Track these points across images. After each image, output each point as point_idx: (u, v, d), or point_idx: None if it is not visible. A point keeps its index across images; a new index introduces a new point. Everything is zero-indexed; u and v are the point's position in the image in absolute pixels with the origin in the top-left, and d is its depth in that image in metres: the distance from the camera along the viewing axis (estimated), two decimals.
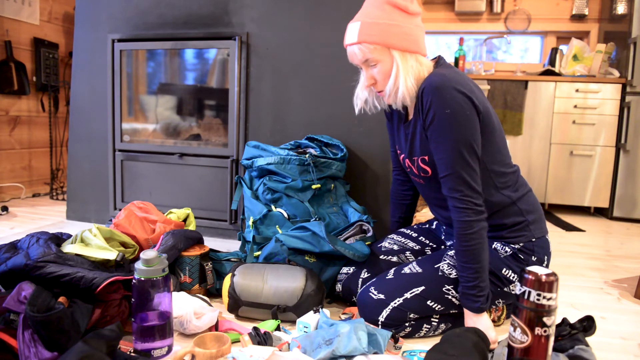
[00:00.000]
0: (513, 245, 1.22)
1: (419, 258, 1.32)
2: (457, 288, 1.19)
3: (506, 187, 1.21)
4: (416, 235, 1.46)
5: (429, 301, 1.19)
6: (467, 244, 1.11)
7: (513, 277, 1.22)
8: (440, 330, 1.24)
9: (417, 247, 1.43)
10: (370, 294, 1.22)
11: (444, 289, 1.20)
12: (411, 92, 1.15)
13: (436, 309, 1.20)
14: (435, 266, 1.23)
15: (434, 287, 1.20)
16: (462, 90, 1.10)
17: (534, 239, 1.22)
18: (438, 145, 1.12)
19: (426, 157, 1.21)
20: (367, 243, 1.46)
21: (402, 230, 1.49)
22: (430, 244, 1.43)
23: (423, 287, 1.20)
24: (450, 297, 1.20)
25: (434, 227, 1.48)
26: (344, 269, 1.41)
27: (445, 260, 1.23)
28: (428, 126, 1.13)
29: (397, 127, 1.33)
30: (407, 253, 1.42)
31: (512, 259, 1.22)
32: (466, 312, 1.16)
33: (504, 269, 1.21)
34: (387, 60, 1.14)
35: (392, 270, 1.27)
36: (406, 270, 1.25)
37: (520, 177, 1.27)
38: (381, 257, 1.40)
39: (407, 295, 1.19)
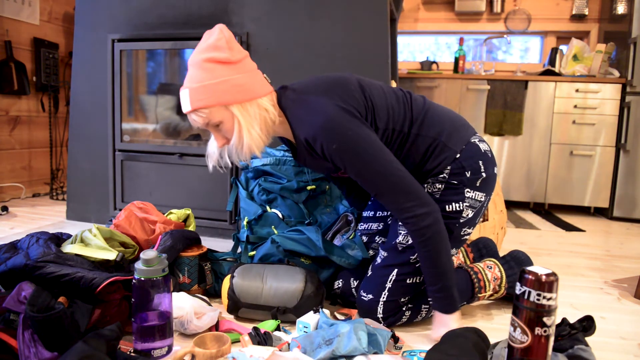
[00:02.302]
0: (442, 176, 1.21)
1: (383, 241, 1.32)
2: None
3: (403, 124, 1.19)
4: (373, 213, 1.45)
5: (408, 279, 1.21)
6: (424, 250, 1.11)
7: (459, 207, 1.21)
8: (459, 301, 1.24)
9: (381, 226, 1.41)
10: (362, 297, 1.25)
11: (410, 260, 1.21)
12: (258, 143, 1.12)
13: (417, 282, 1.23)
14: (393, 243, 1.24)
15: (403, 264, 1.21)
16: (334, 114, 1.08)
17: (458, 155, 1.20)
18: (353, 175, 1.11)
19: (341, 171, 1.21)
20: (351, 236, 1.46)
21: (363, 214, 1.48)
22: (389, 214, 1.42)
23: (395, 270, 1.22)
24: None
25: None
26: (335, 283, 1.40)
27: (400, 233, 1.23)
28: (336, 165, 1.13)
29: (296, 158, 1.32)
30: (377, 238, 1.41)
31: (448, 191, 1.21)
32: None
33: (447, 206, 1.20)
34: (228, 117, 1.10)
35: (370, 267, 1.30)
36: (378, 260, 1.27)
37: (414, 103, 1.22)
38: None
39: (388, 285, 1.22)
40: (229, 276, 1.30)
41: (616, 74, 3.11)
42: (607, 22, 3.52)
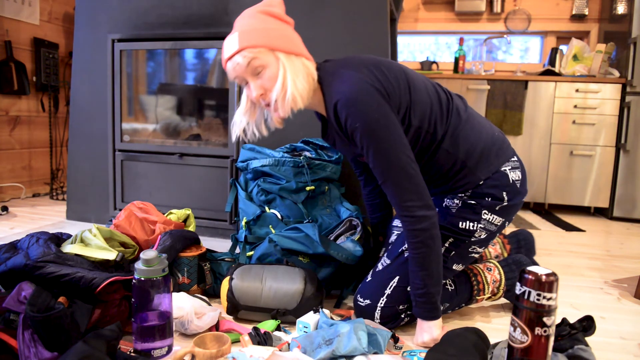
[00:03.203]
0: (461, 195, 1.20)
1: (389, 248, 1.31)
2: None
3: (438, 129, 1.15)
4: None
5: (409, 287, 1.19)
6: (414, 252, 1.10)
7: (472, 226, 1.19)
8: (441, 309, 1.24)
9: None
10: (359, 302, 1.24)
11: None
12: (303, 94, 1.10)
13: None
14: (400, 250, 1.22)
15: (405, 272, 1.18)
16: (365, 91, 1.05)
17: (481, 182, 1.18)
18: (368, 157, 1.09)
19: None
20: (356, 238, 1.45)
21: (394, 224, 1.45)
22: None
23: (397, 277, 1.21)
24: None
25: None
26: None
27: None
28: (353, 141, 1.11)
29: (324, 136, 1.31)
30: None
31: (464, 209, 1.19)
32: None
33: (460, 223, 1.19)
34: (274, 63, 1.08)
35: (370, 272, 1.28)
36: (379, 267, 1.26)
37: (454, 110, 1.18)
38: None
39: (388, 291, 1.20)
40: (227, 278, 1.29)
41: (616, 74, 3.11)
42: (607, 22, 3.52)
